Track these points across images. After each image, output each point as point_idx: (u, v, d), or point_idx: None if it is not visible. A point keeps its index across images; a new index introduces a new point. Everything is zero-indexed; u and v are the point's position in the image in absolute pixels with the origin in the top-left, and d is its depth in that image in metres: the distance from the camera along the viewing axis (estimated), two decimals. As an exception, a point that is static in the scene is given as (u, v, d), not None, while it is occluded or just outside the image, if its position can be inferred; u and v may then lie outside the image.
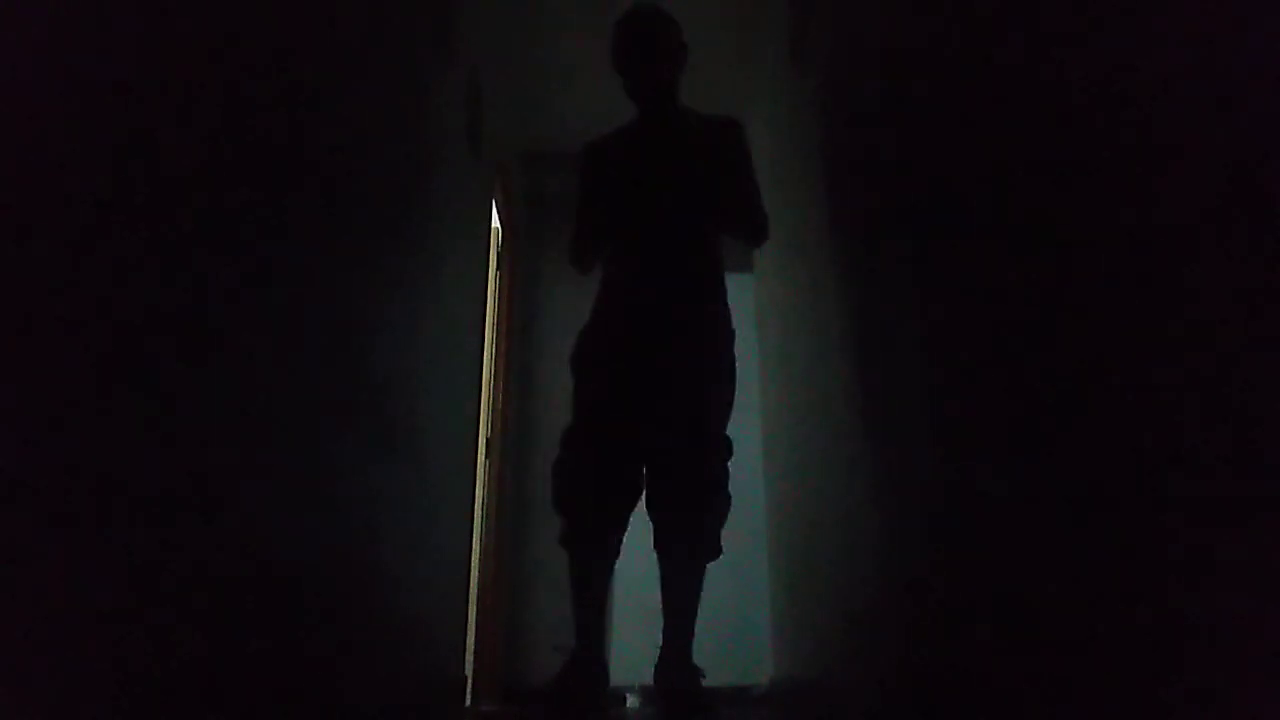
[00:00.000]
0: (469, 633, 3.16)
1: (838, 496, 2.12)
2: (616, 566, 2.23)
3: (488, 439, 3.58)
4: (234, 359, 1.10)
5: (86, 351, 0.80)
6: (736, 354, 2.22)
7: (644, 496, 2.14)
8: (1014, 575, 1.12)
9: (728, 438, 2.15)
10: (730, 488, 2.13)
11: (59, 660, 0.75)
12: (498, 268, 3.89)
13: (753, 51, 3.58)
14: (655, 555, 2.15)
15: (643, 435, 2.12)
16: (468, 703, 2.93)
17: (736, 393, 2.20)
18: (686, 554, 2.11)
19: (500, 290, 3.94)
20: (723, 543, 2.15)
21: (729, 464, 2.14)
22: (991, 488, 1.20)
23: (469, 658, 3.18)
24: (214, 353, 1.05)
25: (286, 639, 1.26)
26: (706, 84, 3.88)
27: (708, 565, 2.15)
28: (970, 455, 1.28)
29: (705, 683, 2.09)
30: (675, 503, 2.08)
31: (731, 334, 2.23)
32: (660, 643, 2.14)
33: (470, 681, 3.10)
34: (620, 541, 2.15)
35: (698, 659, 2.13)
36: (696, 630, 2.16)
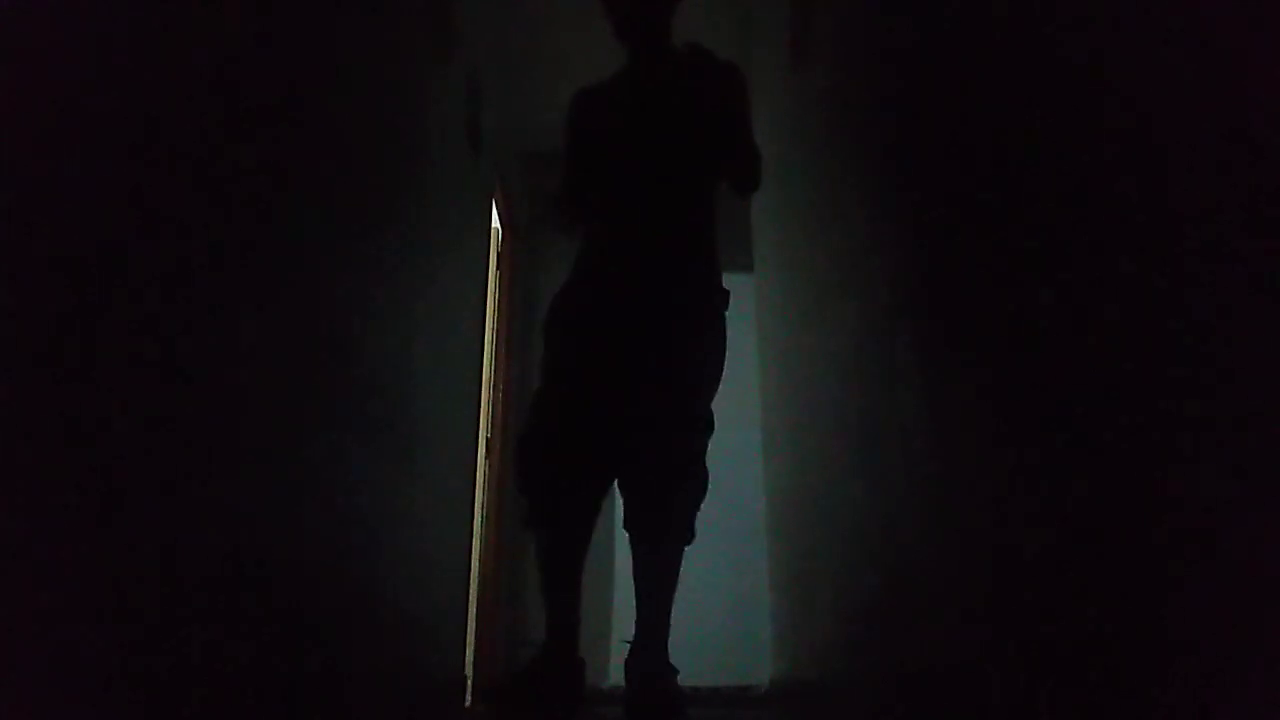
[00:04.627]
0: (469, 633, 3.16)
1: (838, 496, 2.12)
2: (618, 563, 2.18)
3: (488, 439, 3.58)
4: (232, 359, 1.10)
5: (79, 349, 0.80)
6: (738, 354, 2.17)
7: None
8: (1014, 575, 1.12)
9: (710, 413, 1.99)
10: (736, 485, 2.07)
11: (54, 661, 0.75)
12: (498, 267, 3.89)
13: (753, 51, 3.58)
14: (628, 538, 2.00)
15: (619, 408, 1.94)
16: (468, 703, 2.93)
17: (736, 393, 2.16)
18: (656, 535, 1.95)
19: (500, 290, 3.94)
20: (719, 537, 2.09)
21: (708, 441, 1.98)
22: (992, 487, 1.20)
23: (469, 658, 3.18)
24: (212, 353, 1.04)
25: (286, 639, 1.26)
26: (706, 84, 3.88)
27: (684, 551, 1.99)
28: (971, 454, 1.28)
29: (707, 684, 2.05)
30: (647, 480, 1.93)
31: (725, 295, 2.08)
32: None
33: (470, 681, 3.10)
34: (593, 525, 1.98)
35: (698, 657, 2.09)
36: (696, 630, 2.12)
